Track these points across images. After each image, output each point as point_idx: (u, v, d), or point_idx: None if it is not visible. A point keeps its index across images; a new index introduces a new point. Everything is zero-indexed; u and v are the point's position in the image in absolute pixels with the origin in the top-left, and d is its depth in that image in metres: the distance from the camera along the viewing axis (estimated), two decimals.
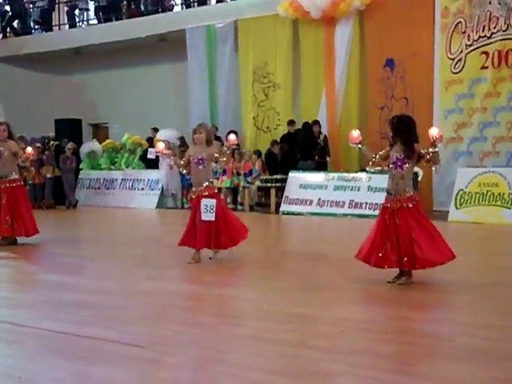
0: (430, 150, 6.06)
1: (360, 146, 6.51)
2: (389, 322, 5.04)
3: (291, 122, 15.19)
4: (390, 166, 6.20)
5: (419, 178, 12.11)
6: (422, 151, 6.08)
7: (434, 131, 6.11)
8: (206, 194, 7.50)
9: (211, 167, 7.97)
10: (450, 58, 13.50)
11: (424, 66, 13.85)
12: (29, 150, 9.75)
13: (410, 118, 6.37)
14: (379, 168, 6.46)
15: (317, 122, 14.67)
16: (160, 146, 8.19)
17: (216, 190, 7.90)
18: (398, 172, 6.16)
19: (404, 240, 6.08)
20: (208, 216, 7.41)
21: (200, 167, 7.56)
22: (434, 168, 6.44)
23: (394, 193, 6.18)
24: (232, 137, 7.82)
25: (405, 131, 6.12)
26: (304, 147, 14.65)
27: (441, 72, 13.65)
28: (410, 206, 6.14)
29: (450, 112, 13.53)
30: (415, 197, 6.22)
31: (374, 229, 6.24)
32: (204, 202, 7.44)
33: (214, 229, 7.47)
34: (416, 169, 11.32)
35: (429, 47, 13.80)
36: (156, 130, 16.92)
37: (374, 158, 6.40)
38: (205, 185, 7.55)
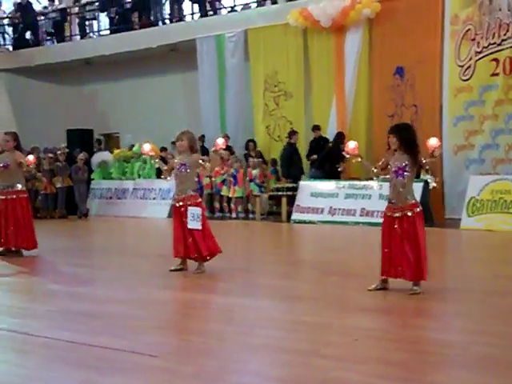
0: (428, 159, 6.11)
1: (359, 159, 6.57)
2: (401, 330, 5.03)
3: (316, 128, 15.08)
4: (392, 174, 6.21)
5: (430, 186, 12.07)
6: (423, 161, 6.12)
7: (432, 141, 6.16)
8: (190, 202, 7.49)
9: (195, 175, 7.94)
10: (458, 65, 13.47)
11: (433, 73, 13.83)
12: (30, 157, 9.58)
13: (412, 126, 6.49)
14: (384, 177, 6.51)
15: (341, 135, 14.48)
16: (146, 147, 8.21)
17: (200, 200, 7.82)
18: (399, 181, 6.16)
19: (402, 249, 6.07)
20: (195, 225, 7.39)
21: (183, 173, 7.54)
22: (432, 182, 6.51)
23: (395, 201, 6.18)
24: (220, 141, 7.78)
25: (412, 140, 6.16)
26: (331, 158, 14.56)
27: (450, 79, 13.62)
28: (412, 214, 6.12)
29: (459, 119, 13.49)
30: (417, 205, 6.20)
31: (381, 241, 6.25)
32: (191, 210, 7.41)
33: (197, 238, 7.44)
34: (426, 176, 11.34)
35: (438, 54, 13.78)
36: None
37: (374, 170, 6.46)
38: (189, 193, 7.54)
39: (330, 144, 14.59)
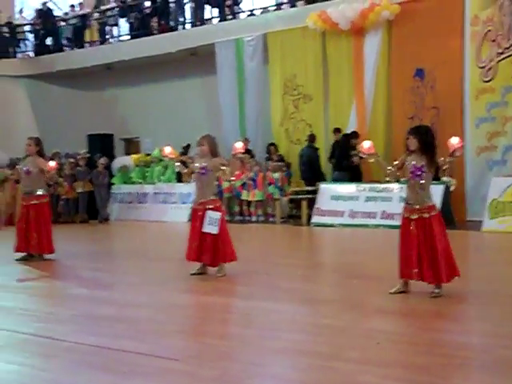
0: (448, 159, 6.07)
1: (376, 158, 6.55)
2: (422, 333, 5.01)
3: (337, 130, 15.09)
4: (409, 175, 6.18)
5: (451, 188, 12.00)
6: (441, 162, 6.10)
7: (454, 141, 6.11)
8: (212, 206, 7.50)
9: (215, 179, 7.95)
10: (480, 67, 13.39)
11: (454, 74, 13.76)
12: (51, 163, 9.68)
13: (431, 129, 6.52)
14: (401, 178, 6.48)
15: (355, 134, 14.53)
16: (167, 150, 8.24)
17: (220, 203, 7.82)
18: (417, 182, 6.13)
19: (422, 251, 6.05)
20: (211, 229, 7.39)
21: (203, 177, 7.55)
22: (451, 184, 6.49)
23: (413, 203, 6.16)
24: (238, 145, 7.78)
25: (431, 143, 6.15)
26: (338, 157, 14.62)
27: (471, 81, 13.54)
28: (428, 216, 6.09)
29: (481, 121, 13.39)
30: (434, 207, 6.18)
31: (399, 243, 6.24)
32: (209, 214, 7.42)
33: (213, 243, 7.45)
34: (447, 179, 11.28)
35: (459, 56, 13.71)
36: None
37: (390, 169, 6.42)
38: (209, 197, 7.55)
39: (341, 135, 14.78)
